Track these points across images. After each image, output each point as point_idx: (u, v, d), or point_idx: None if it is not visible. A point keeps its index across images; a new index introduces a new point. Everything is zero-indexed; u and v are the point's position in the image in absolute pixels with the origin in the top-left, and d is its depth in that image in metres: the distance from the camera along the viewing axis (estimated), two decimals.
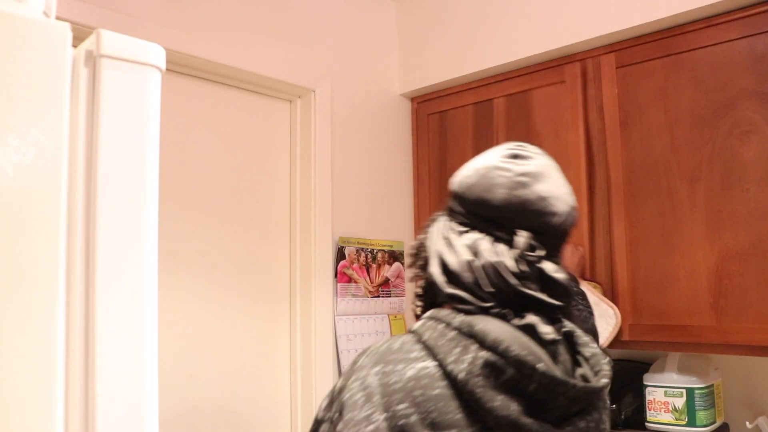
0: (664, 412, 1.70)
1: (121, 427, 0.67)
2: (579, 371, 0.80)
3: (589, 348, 0.83)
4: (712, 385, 1.71)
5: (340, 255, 2.04)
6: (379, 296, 2.15)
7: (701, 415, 1.67)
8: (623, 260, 1.76)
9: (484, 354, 0.72)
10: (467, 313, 0.78)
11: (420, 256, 0.88)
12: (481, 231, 0.82)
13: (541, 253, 0.81)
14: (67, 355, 0.65)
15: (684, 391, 1.68)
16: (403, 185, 2.32)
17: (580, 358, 0.82)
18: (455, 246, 0.82)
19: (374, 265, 2.15)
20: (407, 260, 0.90)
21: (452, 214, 0.87)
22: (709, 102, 1.65)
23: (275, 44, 1.94)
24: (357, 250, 2.10)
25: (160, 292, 1.70)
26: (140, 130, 0.71)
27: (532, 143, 1.96)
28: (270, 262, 1.98)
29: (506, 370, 0.72)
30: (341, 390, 0.76)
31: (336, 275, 2.03)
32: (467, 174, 0.86)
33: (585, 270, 1.83)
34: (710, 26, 1.66)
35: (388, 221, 2.25)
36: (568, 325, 0.85)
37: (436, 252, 0.84)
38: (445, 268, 0.82)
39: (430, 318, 0.80)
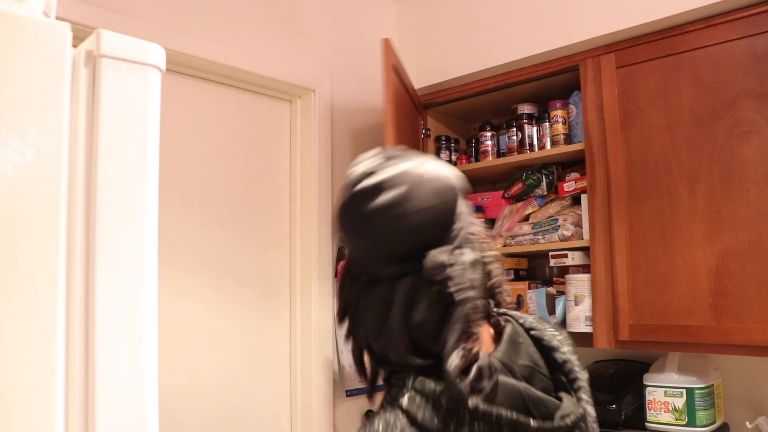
0: (664, 412, 1.70)
1: (121, 427, 0.67)
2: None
3: (560, 353, 0.83)
4: (712, 385, 1.71)
5: (340, 255, 2.04)
6: None
7: (701, 415, 1.67)
8: (623, 260, 1.76)
9: (479, 426, 0.73)
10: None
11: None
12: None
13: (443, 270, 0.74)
14: (67, 355, 0.65)
15: (684, 391, 1.68)
16: None
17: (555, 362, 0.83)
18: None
19: None
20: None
21: None
22: (709, 102, 1.65)
23: (275, 44, 1.94)
24: None
25: (160, 291, 1.70)
26: (140, 130, 0.71)
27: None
28: (270, 261, 1.98)
29: None
30: None
31: (336, 275, 2.03)
32: None
33: None
34: (710, 26, 1.66)
35: None
36: (523, 320, 0.85)
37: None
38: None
39: (417, 392, 0.77)
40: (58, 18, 0.72)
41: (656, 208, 1.72)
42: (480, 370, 0.73)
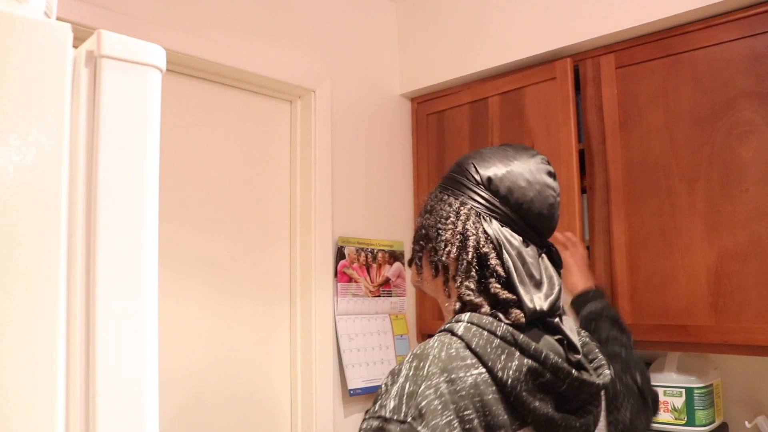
0: (664, 411, 1.71)
1: (122, 427, 0.67)
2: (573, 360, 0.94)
3: (582, 336, 0.98)
4: (711, 385, 1.72)
5: (339, 255, 2.04)
6: (380, 296, 2.15)
7: (700, 415, 1.67)
8: (623, 260, 1.76)
9: (528, 362, 0.83)
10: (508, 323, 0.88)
11: (479, 247, 0.93)
12: (531, 240, 0.95)
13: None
14: (67, 355, 0.65)
15: (683, 390, 1.68)
16: (403, 185, 2.32)
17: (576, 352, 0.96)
18: (528, 261, 0.92)
19: (374, 265, 2.15)
20: (443, 241, 0.97)
21: (501, 218, 0.94)
22: (708, 102, 1.65)
23: (275, 44, 1.95)
24: (357, 250, 2.10)
25: (160, 291, 1.70)
26: (141, 130, 0.71)
27: (526, 141, 1.97)
28: (270, 261, 1.98)
29: (544, 374, 0.84)
30: (413, 395, 0.79)
31: (336, 275, 2.03)
32: (523, 186, 0.94)
33: None
34: (709, 27, 1.66)
35: (388, 221, 2.25)
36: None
37: (513, 258, 0.91)
38: (526, 280, 0.91)
39: (473, 324, 0.87)
40: (58, 18, 0.73)
41: (655, 208, 1.72)
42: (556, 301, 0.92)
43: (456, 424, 0.77)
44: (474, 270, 0.91)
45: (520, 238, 0.93)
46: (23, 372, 0.61)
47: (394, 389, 0.81)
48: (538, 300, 0.89)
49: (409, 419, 0.77)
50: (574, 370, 0.85)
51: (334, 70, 2.12)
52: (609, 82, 1.83)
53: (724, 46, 1.63)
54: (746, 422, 1.78)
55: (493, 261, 0.90)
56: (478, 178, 0.95)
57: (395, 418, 0.78)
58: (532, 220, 0.94)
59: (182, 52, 1.69)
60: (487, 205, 0.94)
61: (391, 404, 0.79)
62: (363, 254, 2.12)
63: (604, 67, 1.84)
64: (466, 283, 0.91)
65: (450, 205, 0.96)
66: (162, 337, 1.69)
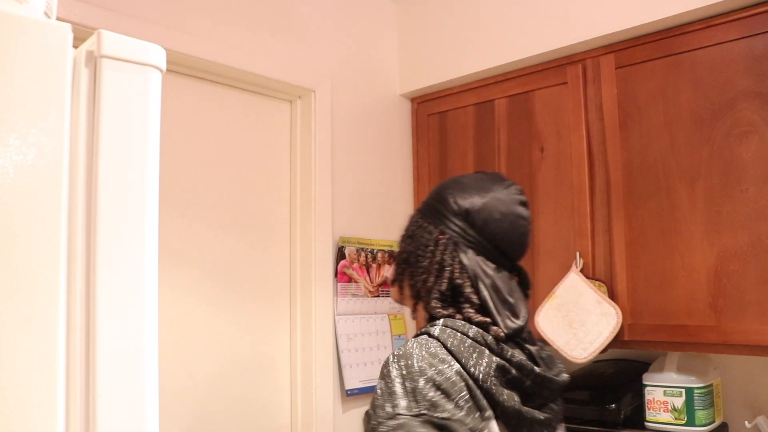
0: (664, 411, 1.71)
1: (122, 427, 0.67)
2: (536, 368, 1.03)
3: (544, 350, 1.06)
4: (711, 385, 1.72)
5: (340, 255, 2.04)
6: (378, 296, 2.15)
7: (700, 415, 1.67)
8: (623, 260, 1.76)
9: (496, 359, 0.93)
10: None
11: (453, 275, 1.02)
12: (503, 266, 1.03)
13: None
14: (68, 356, 0.65)
15: (683, 390, 1.68)
16: (403, 185, 2.32)
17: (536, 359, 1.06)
18: (501, 288, 1.00)
19: (374, 265, 2.15)
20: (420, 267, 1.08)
21: (477, 248, 1.02)
22: (708, 102, 1.65)
23: (275, 44, 1.95)
24: (357, 250, 2.10)
25: (161, 291, 1.70)
26: (141, 130, 0.71)
27: (535, 144, 1.97)
28: (270, 262, 1.98)
29: (511, 371, 0.94)
30: (415, 390, 0.89)
31: (336, 275, 2.03)
32: (498, 218, 1.02)
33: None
34: (709, 27, 1.66)
35: (388, 221, 2.25)
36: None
37: (488, 288, 1.00)
38: (499, 306, 1.00)
39: (447, 327, 0.96)
40: (59, 19, 0.73)
41: (655, 208, 1.72)
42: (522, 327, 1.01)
43: (462, 404, 0.89)
44: (447, 297, 1.01)
45: (494, 266, 1.02)
46: (23, 372, 0.61)
47: (398, 389, 0.90)
48: (510, 322, 0.98)
49: (424, 411, 0.87)
50: (536, 368, 0.96)
51: (334, 70, 2.12)
52: (609, 82, 1.83)
53: (724, 46, 1.63)
54: (746, 422, 1.78)
55: (468, 290, 0.99)
56: (456, 208, 1.03)
57: (411, 414, 0.87)
58: (505, 248, 1.03)
59: (182, 52, 1.69)
60: (464, 234, 1.01)
61: (403, 403, 0.89)
62: (363, 254, 2.12)
63: (604, 67, 1.84)
64: (433, 303, 1.01)
65: (430, 233, 1.04)
66: (162, 336, 1.69)
